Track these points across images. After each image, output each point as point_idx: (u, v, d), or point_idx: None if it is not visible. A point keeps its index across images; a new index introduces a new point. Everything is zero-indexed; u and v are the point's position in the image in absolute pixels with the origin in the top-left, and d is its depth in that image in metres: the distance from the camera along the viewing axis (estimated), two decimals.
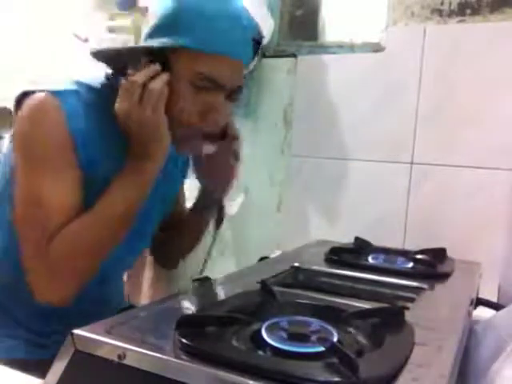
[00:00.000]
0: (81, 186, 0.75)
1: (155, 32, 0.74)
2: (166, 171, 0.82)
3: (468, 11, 1.20)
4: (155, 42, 0.73)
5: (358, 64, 1.31)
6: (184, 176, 0.99)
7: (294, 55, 1.41)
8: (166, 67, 0.74)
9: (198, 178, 0.90)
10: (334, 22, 1.40)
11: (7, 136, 0.80)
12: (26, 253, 0.73)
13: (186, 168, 0.98)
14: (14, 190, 0.74)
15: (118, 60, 0.77)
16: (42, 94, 0.74)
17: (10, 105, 0.78)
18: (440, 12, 1.23)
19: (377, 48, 1.28)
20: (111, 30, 1.49)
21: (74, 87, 0.77)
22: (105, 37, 1.48)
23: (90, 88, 0.79)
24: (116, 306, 0.95)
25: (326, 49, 1.38)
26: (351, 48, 1.34)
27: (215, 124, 0.78)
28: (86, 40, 1.53)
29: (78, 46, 1.54)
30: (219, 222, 0.95)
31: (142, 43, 0.76)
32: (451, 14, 1.22)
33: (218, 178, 0.88)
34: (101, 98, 0.78)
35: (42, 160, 0.73)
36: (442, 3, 1.23)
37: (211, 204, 0.93)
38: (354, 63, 1.32)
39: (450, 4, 1.22)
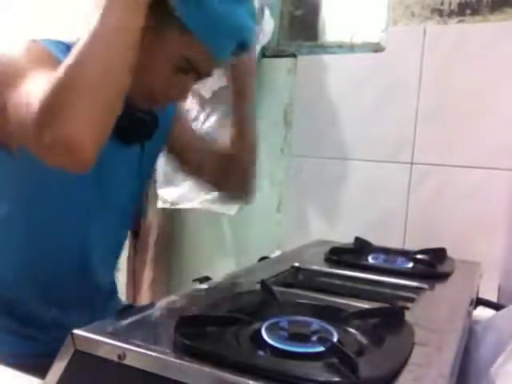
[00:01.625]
0: None
1: None
2: (122, 147, 0.81)
3: (468, 11, 1.20)
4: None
5: (358, 64, 1.31)
6: (159, 149, 0.97)
7: (293, 55, 1.41)
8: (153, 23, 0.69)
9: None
10: (334, 22, 1.40)
11: None
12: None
13: (161, 142, 0.95)
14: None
15: None
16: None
17: None
18: (440, 12, 1.23)
19: (377, 48, 1.28)
20: None
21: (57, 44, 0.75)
22: None
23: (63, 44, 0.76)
24: (108, 296, 0.94)
25: (325, 49, 1.38)
26: (351, 48, 1.34)
27: (177, 102, 0.83)
28: None
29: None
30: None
31: None
32: (451, 13, 1.22)
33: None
34: None
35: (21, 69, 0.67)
36: (441, 3, 1.23)
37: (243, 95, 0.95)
38: (353, 63, 1.32)
39: (450, 4, 1.22)
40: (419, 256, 1.01)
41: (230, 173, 0.99)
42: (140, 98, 0.77)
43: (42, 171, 0.66)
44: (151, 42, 0.71)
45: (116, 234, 0.94)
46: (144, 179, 0.95)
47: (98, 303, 0.89)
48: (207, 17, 0.70)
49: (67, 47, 0.74)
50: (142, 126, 0.83)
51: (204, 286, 0.73)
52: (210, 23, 0.70)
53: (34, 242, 0.81)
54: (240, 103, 0.96)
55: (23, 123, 0.61)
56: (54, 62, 0.66)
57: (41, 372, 0.54)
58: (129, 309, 0.62)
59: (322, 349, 0.49)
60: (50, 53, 0.72)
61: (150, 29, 0.68)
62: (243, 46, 0.76)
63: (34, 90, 0.61)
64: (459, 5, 1.21)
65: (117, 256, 0.98)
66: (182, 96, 0.80)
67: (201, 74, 0.77)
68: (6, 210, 0.79)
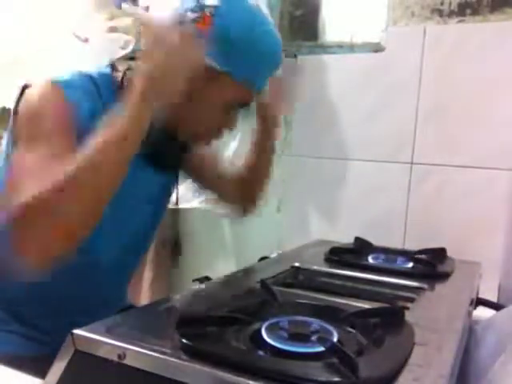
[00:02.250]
0: None
1: (214, 44, 0.72)
2: (149, 172, 0.83)
3: (468, 11, 1.20)
4: (210, 56, 0.72)
5: (358, 64, 1.31)
6: (175, 178, 0.97)
7: (294, 55, 1.41)
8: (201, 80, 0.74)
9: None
10: (334, 22, 1.39)
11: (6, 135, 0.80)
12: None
13: (177, 170, 0.96)
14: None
15: None
16: (44, 84, 0.74)
17: (10, 105, 0.77)
18: (440, 12, 1.23)
19: (377, 48, 1.28)
20: (111, 30, 1.49)
21: (76, 77, 0.77)
22: (105, 37, 1.48)
23: (91, 78, 0.79)
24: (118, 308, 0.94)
25: (325, 49, 1.38)
26: (351, 48, 1.34)
27: (225, 135, 0.84)
28: (85, 40, 1.53)
29: (78, 46, 1.54)
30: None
31: None
32: (451, 14, 1.22)
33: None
34: (102, 86, 0.78)
35: (40, 138, 0.70)
36: (442, 3, 1.23)
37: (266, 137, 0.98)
38: (353, 63, 1.32)
39: (450, 4, 1.22)
40: (419, 256, 1.01)
41: (239, 196, 1.04)
42: (187, 136, 0.82)
43: None
44: (201, 90, 0.75)
45: (129, 257, 0.94)
46: (158, 205, 0.95)
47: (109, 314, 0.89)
48: (251, 65, 0.75)
49: (90, 78, 0.78)
50: (177, 154, 0.87)
51: (204, 285, 0.73)
52: (254, 70, 0.76)
53: None
54: (264, 141, 0.98)
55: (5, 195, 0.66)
56: (67, 118, 0.71)
57: (41, 372, 0.54)
58: (129, 309, 0.62)
59: (321, 349, 0.49)
60: (66, 104, 0.72)
61: (200, 80, 0.73)
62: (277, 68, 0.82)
63: (31, 176, 0.64)
64: (459, 5, 1.21)
65: (129, 277, 0.99)
66: (231, 128, 0.83)
67: (244, 107, 0.82)
68: None
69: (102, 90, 0.78)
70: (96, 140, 0.64)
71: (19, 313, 0.83)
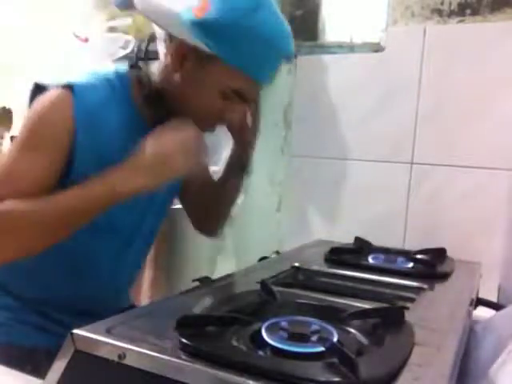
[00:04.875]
0: (57, 173, 0.75)
1: (203, 28, 0.71)
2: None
3: (468, 11, 1.20)
4: (200, 40, 0.72)
5: (358, 64, 1.31)
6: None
7: (294, 55, 1.41)
8: (197, 63, 0.75)
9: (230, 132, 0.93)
10: (334, 22, 1.39)
11: (7, 135, 0.80)
12: None
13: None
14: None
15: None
16: (56, 92, 0.75)
17: (10, 104, 0.78)
18: (440, 12, 1.23)
19: (377, 48, 1.28)
20: (111, 30, 1.49)
21: (91, 80, 0.79)
22: (105, 37, 1.48)
23: (107, 80, 0.80)
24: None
25: (325, 49, 1.38)
26: (351, 48, 1.34)
27: (230, 122, 0.83)
28: (86, 40, 1.53)
29: (78, 46, 1.54)
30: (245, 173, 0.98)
31: (185, 29, 0.72)
32: (451, 14, 1.22)
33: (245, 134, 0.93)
34: (119, 90, 0.80)
35: (29, 148, 0.74)
36: (442, 3, 1.23)
37: (240, 162, 0.96)
38: (354, 63, 1.32)
39: (450, 4, 1.22)
40: (419, 256, 1.01)
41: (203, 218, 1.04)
42: (195, 118, 0.80)
43: None
44: (197, 75, 0.76)
45: (134, 264, 0.97)
46: (157, 217, 0.95)
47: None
48: (246, 51, 0.73)
49: (107, 80, 0.80)
50: None
51: (204, 286, 0.73)
52: (249, 56, 0.74)
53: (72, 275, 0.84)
54: (234, 165, 0.96)
55: None
56: (65, 134, 0.74)
57: (41, 372, 0.54)
58: (129, 309, 0.62)
59: (321, 349, 0.49)
60: (71, 119, 0.74)
61: (195, 64, 0.74)
62: (288, 59, 0.81)
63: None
64: (459, 5, 1.21)
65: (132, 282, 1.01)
66: (235, 115, 0.81)
67: (247, 100, 0.80)
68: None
69: (117, 95, 0.80)
70: (66, 197, 0.70)
71: (41, 308, 0.84)
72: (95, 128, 0.76)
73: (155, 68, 0.82)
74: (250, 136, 0.93)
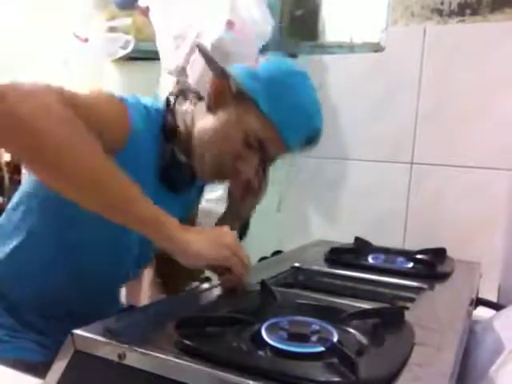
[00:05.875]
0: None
1: (252, 74, 0.77)
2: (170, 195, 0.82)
3: (468, 11, 1.20)
4: (245, 82, 0.76)
5: (358, 64, 1.31)
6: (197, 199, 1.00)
7: (294, 55, 1.41)
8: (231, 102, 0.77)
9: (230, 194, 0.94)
10: (333, 22, 1.39)
11: None
12: None
13: (200, 195, 1.00)
14: None
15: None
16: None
17: None
18: (440, 12, 1.23)
19: (377, 48, 1.28)
20: (111, 29, 1.49)
21: (135, 102, 0.78)
22: (105, 37, 1.47)
23: (146, 107, 0.80)
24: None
25: (325, 49, 1.38)
26: (351, 48, 1.34)
27: (239, 177, 0.82)
28: (86, 40, 1.53)
29: (78, 46, 1.54)
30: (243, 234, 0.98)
31: (236, 70, 0.78)
32: (451, 14, 1.22)
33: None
34: (154, 122, 0.80)
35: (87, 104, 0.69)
36: (442, 3, 1.23)
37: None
38: (353, 63, 1.32)
39: (450, 4, 1.22)
40: (419, 256, 1.01)
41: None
42: (207, 169, 0.81)
43: (84, 218, 0.68)
44: (229, 112, 0.77)
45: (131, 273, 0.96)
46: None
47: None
48: (285, 108, 0.76)
49: (145, 107, 0.79)
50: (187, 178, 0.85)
51: (204, 285, 0.73)
52: (286, 114, 0.76)
53: (76, 281, 0.82)
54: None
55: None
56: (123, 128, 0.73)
57: (41, 372, 0.54)
58: (129, 309, 0.62)
59: (321, 349, 0.49)
60: (127, 118, 0.74)
61: (234, 99, 0.77)
62: (311, 141, 0.83)
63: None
64: (459, 5, 1.21)
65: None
66: (248, 171, 0.81)
67: (267, 157, 0.81)
68: (53, 255, 0.79)
69: (150, 124, 0.79)
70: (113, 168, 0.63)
71: (29, 321, 0.83)
72: (135, 150, 0.75)
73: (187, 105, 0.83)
74: (246, 211, 0.96)
